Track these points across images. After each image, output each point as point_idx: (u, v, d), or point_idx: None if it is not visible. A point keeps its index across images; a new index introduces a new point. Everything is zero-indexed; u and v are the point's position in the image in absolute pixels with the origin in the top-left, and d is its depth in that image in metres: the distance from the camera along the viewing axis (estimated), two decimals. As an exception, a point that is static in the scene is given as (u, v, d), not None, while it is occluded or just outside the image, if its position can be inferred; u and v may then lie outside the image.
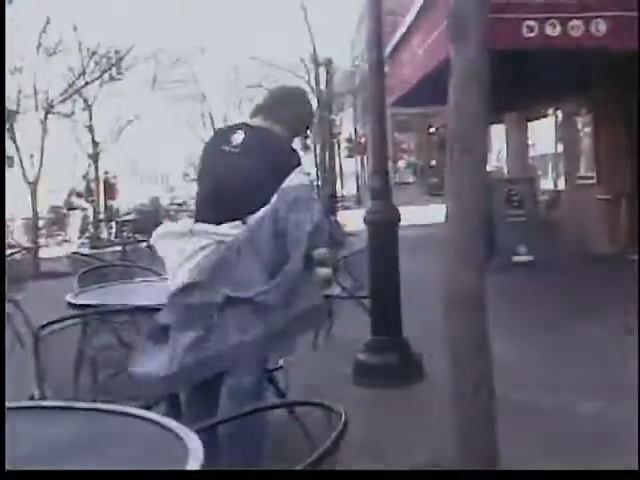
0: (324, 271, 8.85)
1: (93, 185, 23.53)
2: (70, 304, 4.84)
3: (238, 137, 4.39)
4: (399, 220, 6.90)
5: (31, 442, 2.50)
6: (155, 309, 4.64)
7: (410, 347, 6.79)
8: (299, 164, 4.33)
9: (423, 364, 6.72)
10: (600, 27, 10.38)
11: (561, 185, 17.89)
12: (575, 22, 10.34)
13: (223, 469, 2.04)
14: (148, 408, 4.00)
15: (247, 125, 4.49)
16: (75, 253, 9.51)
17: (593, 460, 4.60)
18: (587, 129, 16.10)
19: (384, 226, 6.82)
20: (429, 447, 4.93)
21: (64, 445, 2.45)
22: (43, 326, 4.17)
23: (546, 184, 18.22)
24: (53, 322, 4.24)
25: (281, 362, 5.14)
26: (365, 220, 6.94)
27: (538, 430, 5.25)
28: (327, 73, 22.41)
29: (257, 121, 4.52)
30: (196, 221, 4.47)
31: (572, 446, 4.94)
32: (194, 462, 2.12)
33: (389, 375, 6.53)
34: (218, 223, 4.28)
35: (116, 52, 22.01)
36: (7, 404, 2.85)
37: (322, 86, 23.30)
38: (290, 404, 2.81)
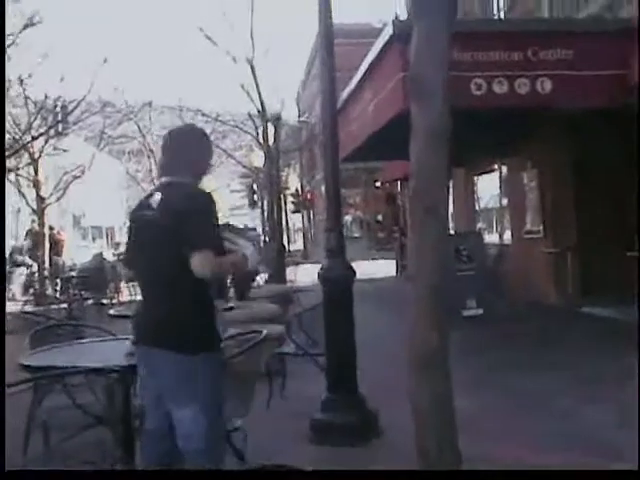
0: (276, 328, 8.84)
1: (37, 241, 23.22)
2: (24, 366, 4.70)
3: (156, 199, 4.35)
4: (354, 277, 6.88)
5: None
6: (110, 370, 4.55)
7: (366, 404, 6.73)
8: (209, 204, 4.27)
9: (379, 420, 6.66)
10: (545, 85, 10.61)
11: (507, 239, 18.09)
12: (522, 80, 10.55)
13: (223, 469, 1.97)
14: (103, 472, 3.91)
15: (166, 184, 4.41)
16: (25, 312, 9.32)
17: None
18: (532, 184, 16.33)
19: (340, 284, 6.79)
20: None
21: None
22: (-3, 390, 4.05)
23: (492, 238, 18.42)
24: (7, 385, 4.12)
25: (238, 423, 5.06)
26: (320, 277, 6.90)
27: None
28: (275, 129, 22.45)
29: (169, 177, 4.45)
30: (139, 284, 4.51)
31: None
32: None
33: (347, 433, 6.46)
34: (152, 285, 4.33)
35: (63, 107, 21.92)
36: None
37: (270, 141, 23.32)
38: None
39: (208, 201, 4.30)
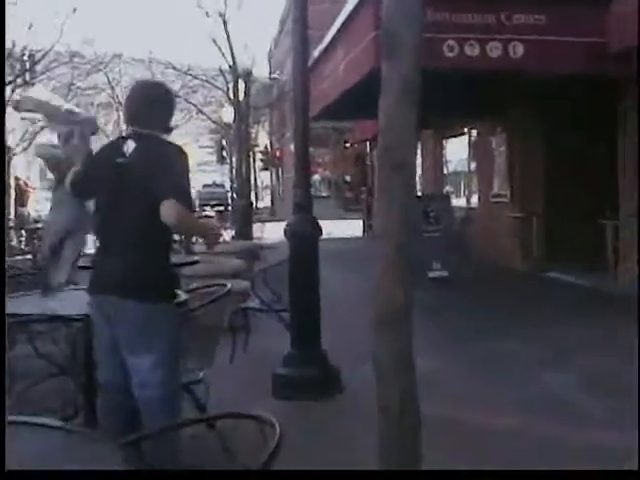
0: (241, 283, 8.86)
1: None
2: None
3: (129, 146, 4.40)
4: (320, 233, 6.91)
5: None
6: (72, 319, 4.55)
7: (329, 360, 6.79)
8: (182, 157, 4.34)
9: (341, 377, 6.73)
10: (517, 50, 10.60)
11: (474, 203, 18.19)
12: (494, 44, 10.54)
13: (222, 469, 2.00)
14: (66, 420, 3.92)
15: (137, 134, 4.44)
16: (-13, 261, 9.23)
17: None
18: (501, 148, 16.41)
19: (306, 239, 6.82)
20: (349, 460, 4.94)
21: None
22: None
23: (459, 201, 18.50)
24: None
25: (200, 375, 5.09)
26: (286, 233, 6.92)
27: (456, 444, 5.31)
28: (246, 85, 22.31)
29: (139, 128, 4.48)
30: (97, 233, 4.52)
31: (491, 461, 5.00)
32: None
33: (309, 388, 6.52)
34: (117, 233, 4.33)
35: (30, 56, 21.63)
36: None
37: (240, 98, 23.16)
38: (219, 417, 2.76)
39: (181, 154, 4.36)
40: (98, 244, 4.52)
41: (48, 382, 4.68)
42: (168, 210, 4.08)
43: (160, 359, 4.19)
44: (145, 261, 4.25)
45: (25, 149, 23.65)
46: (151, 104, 4.50)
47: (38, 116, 22.38)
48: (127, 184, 4.26)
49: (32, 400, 4.42)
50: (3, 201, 13.19)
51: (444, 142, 20.60)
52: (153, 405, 4.21)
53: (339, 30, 13.04)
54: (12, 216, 22.36)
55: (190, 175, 4.39)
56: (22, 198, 24.83)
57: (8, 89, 20.38)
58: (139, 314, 4.18)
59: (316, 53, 14.73)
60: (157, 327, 4.20)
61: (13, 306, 4.83)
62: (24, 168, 35.77)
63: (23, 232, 19.92)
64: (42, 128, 24.00)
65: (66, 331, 4.58)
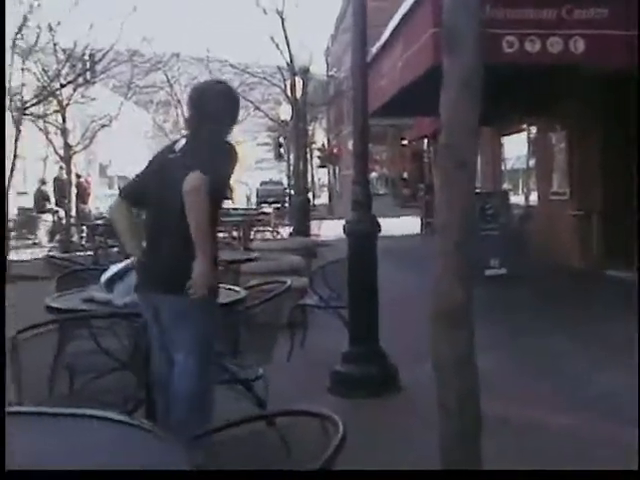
0: (299, 280, 8.88)
1: (63, 188, 23.33)
2: (49, 308, 4.76)
3: (180, 144, 4.52)
4: (379, 231, 6.89)
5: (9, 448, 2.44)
6: (134, 314, 4.60)
7: (387, 358, 6.77)
8: (229, 154, 4.39)
9: (399, 375, 6.70)
10: (578, 45, 10.45)
11: (533, 200, 17.99)
12: (554, 39, 10.40)
13: (223, 470, 2.00)
14: (129, 414, 3.95)
15: (191, 131, 4.65)
16: (50, 256, 9.39)
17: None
18: (561, 145, 16.20)
19: (364, 236, 6.80)
20: (406, 459, 4.92)
21: (43, 451, 2.39)
22: (21, 331, 4.09)
23: (517, 199, 18.31)
24: (32, 327, 4.17)
25: (261, 372, 5.10)
26: (345, 230, 6.91)
27: (516, 444, 5.26)
28: (303, 82, 22.35)
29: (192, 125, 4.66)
30: (145, 231, 4.58)
31: (547, 460, 4.95)
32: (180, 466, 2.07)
33: (366, 386, 6.51)
34: (159, 229, 4.39)
35: (91, 55, 21.88)
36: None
37: (297, 95, 23.21)
38: (284, 413, 2.75)
39: (226, 146, 4.44)
40: (145, 242, 4.56)
41: (109, 377, 4.72)
42: (189, 178, 4.08)
43: (190, 352, 4.27)
44: (180, 254, 4.25)
45: (85, 147, 23.93)
46: (203, 102, 4.56)
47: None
48: (171, 179, 4.30)
49: (92, 395, 4.46)
50: (3, 201, 13.35)
51: (502, 139, 20.41)
52: (180, 399, 4.27)
53: (397, 27, 12.98)
54: (73, 213, 22.66)
55: (234, 169, 4.44)
56: (83, 195, 25.18)
57: (70, 88, 20.66)
58: (175, 307, 4.27)
59: (374, 50, 14.69)
60: (189, 320, 4.27)
61: (74, 301, 4.91)
62: (84, 166, 36.27)
63: (84, 228, 20.20)
64: (102, 126, 24.36)
65: (128, 326, 4.62)
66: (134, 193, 4.62)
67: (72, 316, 4.59)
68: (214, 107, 4.53)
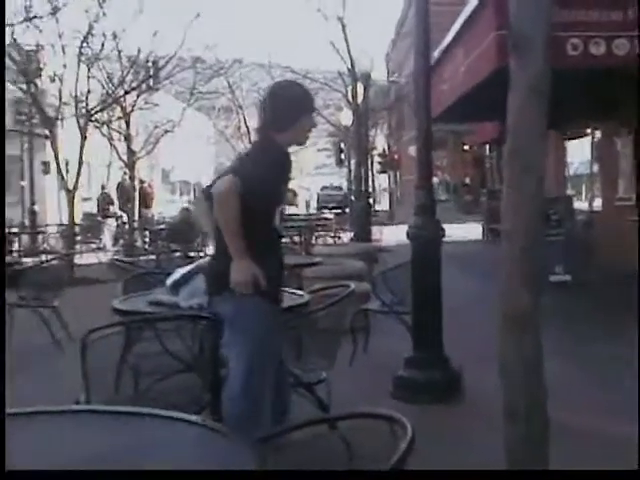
0: (362, 285, 8.86)
1: (127, 193, 23.63)
2: (116, 310, 4.82)
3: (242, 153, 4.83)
4: (443, 236, 6.86)
5: (78, 446, 2.48)
6: (199, 316, 4.63)
7: (450, 363, 6.73)
8: (270, 156, 4.40)
9: (463, 380, 6.66)
10: (645, 46, 10.27)
11: (597, 206, 17.75)
12: (620, 41, 10.25)
13: (227, 470, 2.00)
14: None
15: (256, 136, 4.92)
16: (116, 260, 9.52)
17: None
18: (626, 150, 15.96)
19: (429, 241, 6.77)
20: (469, 463, 4.88)
21: (107, 450, 2.42)
22: (92, 331, 4.15)
23: (581, 205, 18.09)
24: (102, 327, 4.23)
25: (323, 375, 5.10)
26: (409, 235, 6.88)
27: (579, 452, 5.19)
28: (364, 88, 22.34)
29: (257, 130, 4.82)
30: None
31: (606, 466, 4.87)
32: (247, 466, 2.08)
33: (430, 391, 6.47)
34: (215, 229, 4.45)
35: (154, 62, 22.14)
36: (52, 408, 2.83)
37: (358, 100, 23.21)
38: (351, 416, 2.74)
39: (273, 150, 4.43)
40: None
41: (174, 379, 4.76)
42: (218, 182, 4.23)
43: (240, 354, 4.31)
44: (222, 256, 4.34)
45: (148, 153, 24.22)
46: (265, 104, 4.57)
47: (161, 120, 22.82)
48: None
49: (157, 396, 4.50)
50: (3, 201, 13.51)
51: (565, 143, 20.17)
52: (228, 401, 4.34)
53: (459, 30, 12.91)
54: (136, 217, 22.93)
55: (281, 171, 4.45)
56: (146, 200, 25.48)
57: (133, 94, 20.92)
58: (224, 309, 4.35)
59: (436, 54, 14.63)
60: (237, 322, 4.32)
61: (142, 303, 4.96)
62: (147, 171, 36.69)
63: (147, 233, 20.44)
64: (165, 132, 24.63)
65: (193, 328, 4.65)
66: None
67: (139, 318, 4.64)
68: (270, 109, 4.52)
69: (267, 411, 4.31)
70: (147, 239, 20.25)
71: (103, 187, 27.09)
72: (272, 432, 3.27)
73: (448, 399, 6.43)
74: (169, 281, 4.94)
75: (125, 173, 23.91)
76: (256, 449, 2.51)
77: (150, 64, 22.02)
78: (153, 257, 14.55)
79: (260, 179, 4.26)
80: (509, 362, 3.62)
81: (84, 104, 17.47)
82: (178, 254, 14.95)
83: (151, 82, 22.62)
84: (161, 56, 22.19)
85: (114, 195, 26.83)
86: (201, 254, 17.00)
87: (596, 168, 18.15)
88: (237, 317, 4.31)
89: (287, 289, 5.14)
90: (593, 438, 5.55)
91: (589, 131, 18.35)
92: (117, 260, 9.52)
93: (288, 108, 4.50)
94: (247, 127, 34.84)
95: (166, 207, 31.91)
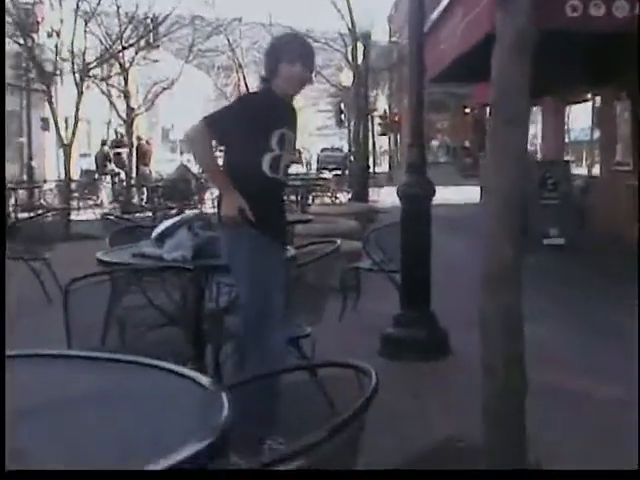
0: (353, 243, 8.86)
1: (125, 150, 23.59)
2: (100, 261, 4.82)
3: None
4: (433, 195, 6.83)
5: (55, 390, 2.49)
6: (185, 268, 4.63)
7: (438, 322, 6.74)
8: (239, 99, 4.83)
9: (449, 339, 6.68)
10: (646, 9, 10.19)
11: (595, 172, 17.70)
12: (620, 2, 10.16)
13: (224, 469, 2.01)
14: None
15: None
16: (107, 215, 9.52)
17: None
18: (625, 115, 15.88)
19: (418, 200, 6.75)
20: (454, 422, 4.92)
21: (86, 394, 2.44)
22: (73, 280, 4.15)
23: (580, 170, 18.03)
24: (83, 277, 4.23)
25: (308, 330, 5.12)
26: (399, 193, 6.87)
27: (561, 412, 5.22)
28: (364, 48, 22.16)
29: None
30: None
31: (591, 430, 4.91)
32: (223, 417, 2.08)
33: (416, 349, 6.50)
34: None
35: (153, 19, 22.00)
36: (32, 351, 2.84)
37: (359, 61, 23.05)
38: (318, 365, 2.77)
39: (247, 95, 4.67)
40: None
41: (159, 331, 4.77)
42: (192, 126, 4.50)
43: (239, 289, 4.49)
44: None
45: (147, 109, 24.14)
46: (278, 55, 4.62)
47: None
48: None
49: (142, 349, 4.51)
50: (3, 196, 13.50)
51: (566, 109, 20.06)
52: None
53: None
54: (134, 174, 22.90)
55: (258, 117, 4.45)
56: (144, 157, 25.41)
57: (132, 50, 20.82)
58: (222, 242, 4.57)
59: (434, 15, 14.52)
60: (229, 252, 4.50)
61: (127, 255, 4.97)
62: (147, 129, 36.57)
63: (144, 190, 20.44)
64: (164, 89, 24.52)
65: (177, 281, 4.66)
66: None
67: (122, 269, 4.64)
68: (264, 57, 4.75)
69: (277, 345, 4.39)
70: (144, 196, 20.25)
71: (104, 143, 26.98)
72: (250, 378, 3.29)
73: (434, 358, 6.45)
74: (154, 233, 4.94)
75: (115, 132, 23.80)
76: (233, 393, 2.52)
77: (149, 20, 21.90)
78: (150, 214, 14.57)
79: (234, 122, 4.41)
80: (489, 316, 3.63)
81: (81, 59, 17.37)
82: (175, 211, 14.96)
83: (150, 38, 22.52)
84: (160, 13, 22.06)
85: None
86: (197, 211, 17.04)
87: (596, 134, 18.07)
88: (231, 250, 4.45)
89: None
90: (576, 398, 5.58)
91: (589, 97, 18.25)
92: (110, 215, 9.52)
93: (271, 55, 4.63)
94: (247, 85, 34.72)
95: (166, 165, 31.81)
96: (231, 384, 2.85)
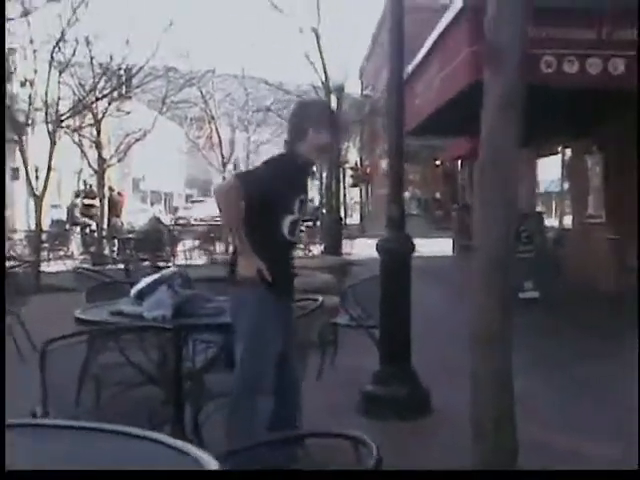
0: (332, 298, 8.78)
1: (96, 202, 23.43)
2: (79, 320, 4.71)
3: None
4: (413, 250, 6.79)
5: (30, 460, 2.39)
6: (163, 328, 4.54)
7: (418, 379, 6.65)
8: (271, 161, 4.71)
9: (431, 397, 6.58)
10: (618, 66, 10.31)
11: (567, 223, 17.81)
12: (593, 60, 10.27)
13: (222, 470, 1.92)
14: (155, 428, 3.88)
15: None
16: (81, 268, 9.39)
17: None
18: (597, 168, 16.03)
19: (398, 255, 6.70)
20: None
21: (62, 464, 2.33)
22: (50, 341, 4.04)
23: (551, 222, 18.13)
24: (60, 337, 4.11)
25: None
26: (379, 247, 6.81)
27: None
28: (337, 100, 22.30)
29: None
30: None
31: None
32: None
33: (397, 407, 6.39)
34: None
35: (126, 70, 22.02)
36: (8, 421, 2.74)
37: (332, 113, 23.16)
38: (319, 435, 2.66)
39: (275, 159, 4.70)
40: None
41: (137, 391, 4.65)
42: (223, 181, 4.48)
43: (240, 341, 4.48)
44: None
45: (119, 160, 24.07)
46: (300, 119, 4.74)
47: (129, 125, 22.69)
48: None
49: (119, 409, 4.39)
50: (3, 202, 13.40)
51: (537, 161, 20.24)
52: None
53: (434, 45, 12.91)
54: (105, 226, 22.74)
55: (282, 180, 4.50)
56: (115, 209, 25.27)
57: (105, 102, 20.79)
58: (230, 302, 4.62)
59: (409, 69, 14.62)
60: (234, 312, 4.53)
61: (105, 313, 4.85)
62: (118, 179, 36.48)
63: (115, 241, 20.27)
64: (136, 140, 24.48)
65: (156, 340, 4.56)
66: None
67: (101, 328, 4.54)
68: (288, 122, 4.90)
69: (265, 410, 4.36)
70: (115, 248, 20.08)
71: (77, 194, 26.84)
72: (234, 449, 3.18)
73: (416, 416, 6.35)
74: (133, 291, 4.84)
75: (85, 182, 23.66)
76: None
77: (122, 72, 21.90)
78: (121, 266, 14.42)
79: (264, 184, 4.46)
80: (480, 377, 3.56)
81: (54, 110, 17.29)
82: (147, 263, 14.85)
83: (123, 90, 22.51)
84: (133, 64, 22.08)
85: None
86: (169, 264, 16.91)
87: (566, 186, 18.22)
88: (241, 309, 4.47)
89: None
90: (562, 455, 5.50)
91: (560, 149, 18.42)
92: (82, 268, 9.39)
93: (298, 120, 4.71)
94: (219, 137, 34.78)
95: (137, 216, 31.68)
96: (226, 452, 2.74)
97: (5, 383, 3.33)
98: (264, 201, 4.45)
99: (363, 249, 18.10)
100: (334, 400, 6.77)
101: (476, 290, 3.53)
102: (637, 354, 8.41)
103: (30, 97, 17.35)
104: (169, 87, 26.22)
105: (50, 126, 17.07)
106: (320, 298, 5.42)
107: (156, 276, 4.90)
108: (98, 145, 21.84)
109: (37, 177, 17.57)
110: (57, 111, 17.34)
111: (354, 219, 49.75)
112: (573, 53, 10.25)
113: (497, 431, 3.49)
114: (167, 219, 33.66)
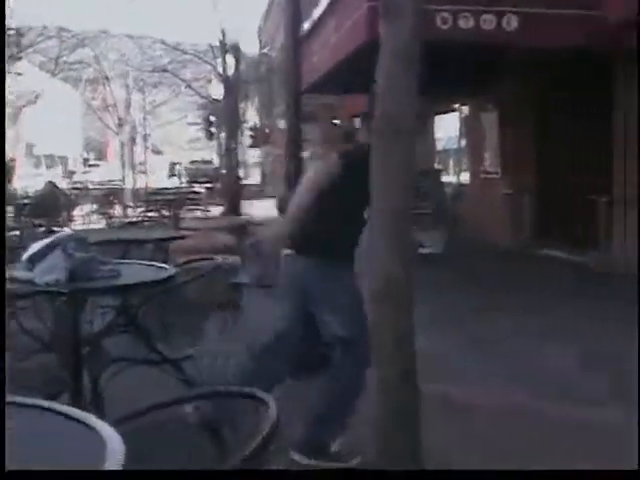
0: (232, 258, 8.69)
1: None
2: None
3: None
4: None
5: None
6: (58, 292, 4.41)
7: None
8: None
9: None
10: (512, 22, 10.43)
11: (465, 180, 18.06)
12: (487, 16, 10.37)
13: (224, 469, 1.86)
14: (52, 397, 3.78)
15: None
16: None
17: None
18: (492, 125, 16.25)
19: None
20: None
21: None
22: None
23: (449, 179, 18.37)
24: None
25: (190, 351, 4.96)
26: (278, 207, 6.77)
27: (451, 423, 5.20)
28: (235, 60, 22.07)
29: None
30: None
31: (482, 440, 4.91)
32: (111, 459, 1.91)
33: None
34: None
35: (16, 30, 21.36)
36: None
37: (229, 73, 22.92)
38: (221, 393, 2.60)
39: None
40: None
41: (32, 359, 4.54)
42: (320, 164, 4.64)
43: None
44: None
45: (11, 124, 23.41)
46: None
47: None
48: None
49: (14, 377, 4.27)
50: (3, 196, 13.01)
51: (434, 119, 20.41)
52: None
53: (331, 2, 12.84)
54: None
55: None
56: (7, 175, 24.60)
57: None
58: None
59: (306, 26, 14.52)
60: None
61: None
62: (11, 145, 35.49)
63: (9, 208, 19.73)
64: (27, 103, 23.83)
65: (50, 306, 4.43)
66: None
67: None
68: None
69: None
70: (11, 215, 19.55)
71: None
72: (132, 413, 3.10)
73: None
74: (25, 256, 4.68)
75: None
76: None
77: (12, 32, 21.23)
78: (17, 232, 14.05)
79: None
80: (381, 332, 3.56)
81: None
82: (42, 229, 14.48)
83: (13, 50, 21.85)
84: (24, 25, 21.43)
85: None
86: (66, 229, 16.54)
87: (464, 143, 18.45)
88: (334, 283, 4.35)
89: (153, 263, 4.98)
90: (463, 407, 5.59)
91: (457, 107, 18.61)
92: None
93: None
94: (114, 99, 34.10)
95: (31, 181, 30.91)
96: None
97: (5, 383, 3.20)
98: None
99: (263, 209, 18.06)
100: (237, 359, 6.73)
101: (376, 245, 3.51)
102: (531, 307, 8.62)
103: None
104: (62, 47, 25.56)
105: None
106: (218, 258, 5.36)
107: (48, 240, 4.74)
108: (-12, 108, 21.17)
109: None
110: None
111: (254, 179, 49.58)
112: (468, 9, 10.33)
113: (400, 385, 3.49)
114: (63, 183, 32.91)
